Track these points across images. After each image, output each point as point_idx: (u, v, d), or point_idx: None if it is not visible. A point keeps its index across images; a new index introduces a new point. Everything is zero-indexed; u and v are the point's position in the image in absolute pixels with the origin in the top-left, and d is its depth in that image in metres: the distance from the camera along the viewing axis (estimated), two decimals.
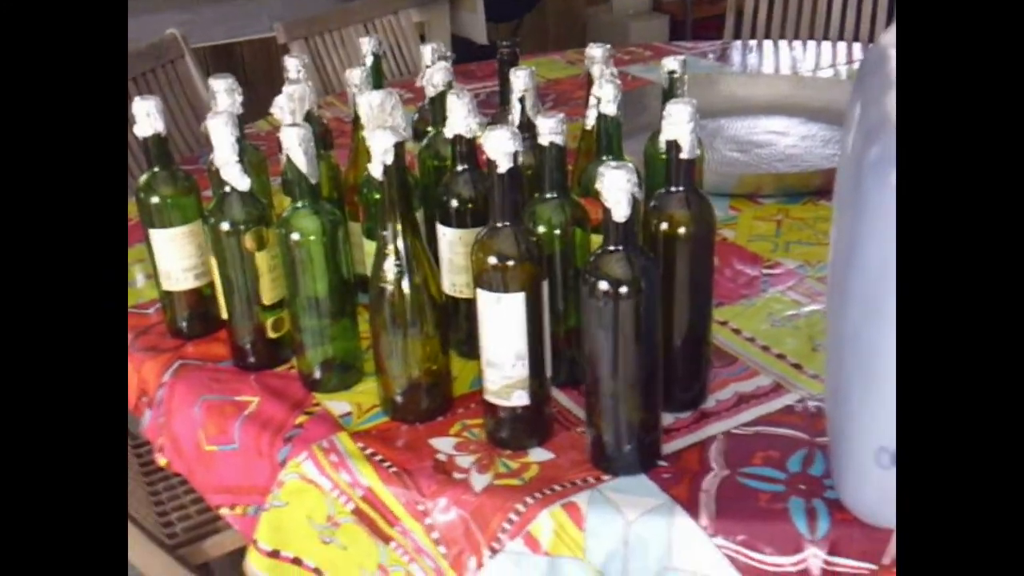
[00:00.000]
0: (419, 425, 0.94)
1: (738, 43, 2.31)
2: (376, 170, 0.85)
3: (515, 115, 1.04)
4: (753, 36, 2.43)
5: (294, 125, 0.91)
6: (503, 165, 0.81)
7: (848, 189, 0.72)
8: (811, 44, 2.27)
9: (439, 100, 1.08)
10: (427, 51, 1.17)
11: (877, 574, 0.78)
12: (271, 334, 1.03)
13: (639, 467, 0.85)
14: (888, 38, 0.80)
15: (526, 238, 0.84)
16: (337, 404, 0.98)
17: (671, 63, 1.05)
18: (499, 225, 0.83)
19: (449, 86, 1.09)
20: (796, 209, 1.33)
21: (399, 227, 0.88)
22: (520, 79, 1.02)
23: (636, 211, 0.78)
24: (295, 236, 0.94)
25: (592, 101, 1.00)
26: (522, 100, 1.03)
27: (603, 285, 0.78)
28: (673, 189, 0.86)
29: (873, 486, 0.74)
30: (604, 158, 1.00)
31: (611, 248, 0.78)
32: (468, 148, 0.96)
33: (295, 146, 0.90)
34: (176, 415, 1.03)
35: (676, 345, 0.90)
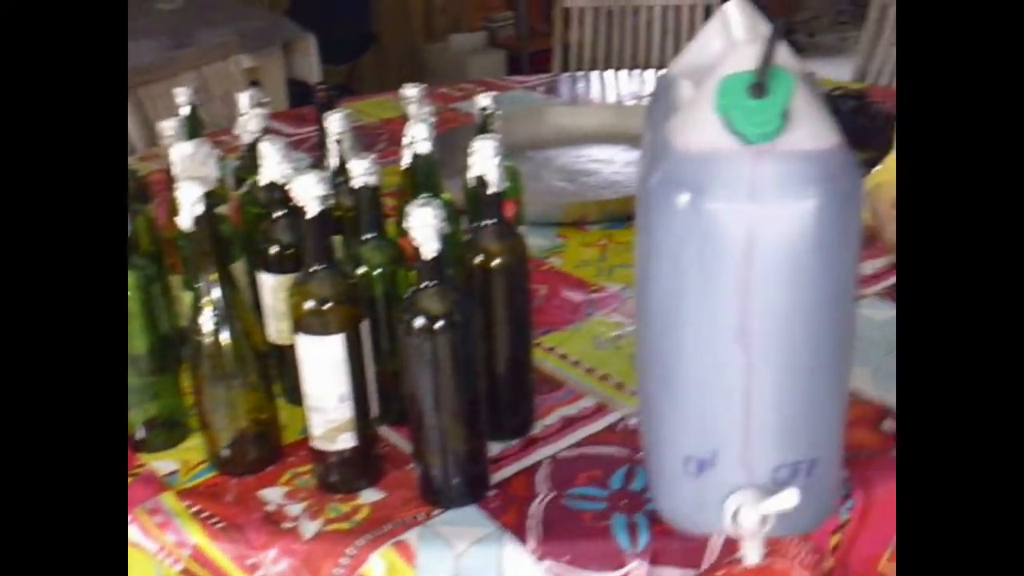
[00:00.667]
0: (248, 477, 0.92)
1: (566, 75, 2.38)
2: (185, 222, 0.84)
3: (333, 158, 1.05)
4: (580, 68, 2.51)
5: None
6: (312, 209, 0.81)
7: (640, 212, 0.76)
8: (636, 73, 2.36)
9: (254, 147, 1.08)
10: (243, 98, 1.16)
11: None
12: None
13: (468, 498, 0.86)
14: (675, 67, 0.85)
15: (342, 280, 0.84)
16: (163, 463, 0.95)
17: (483, 100, 1.08)
18: (313, 269, 0.83)
19: (264, 132, 1.08)
20: (619, 233, 1.38)
21: (212, 278, 0.87)
22: (334, 122, 1.03)
23: (447, 247, 0.79)
24: None
25: (406, 140, 1.01)
26: (339, 143, 1.04)
27: (418, 322, 0.79)
28: (484, 223, 0.88)
29: (685, 495, 0.77)
30: (419, 198, 1.01)
31: (424, 285, 0.80)
32: (283, 194, 0.96)
33: None
34: None
35: (499, 375, 0.92)
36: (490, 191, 0.87)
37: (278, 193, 0.96)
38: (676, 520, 0.80)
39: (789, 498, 0.73)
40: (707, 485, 0.75)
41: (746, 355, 0.70)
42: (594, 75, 2.37)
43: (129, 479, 0.93)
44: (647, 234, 0.73)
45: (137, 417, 0.97)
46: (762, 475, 0.74)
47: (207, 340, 0.88)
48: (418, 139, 0.98)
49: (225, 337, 0.88)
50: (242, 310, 0.89)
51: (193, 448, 0.97)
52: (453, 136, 1.69)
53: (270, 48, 3.06)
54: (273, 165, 0.94)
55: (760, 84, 0.65)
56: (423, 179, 1.00)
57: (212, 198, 0.84)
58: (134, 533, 0.88)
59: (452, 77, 4.14)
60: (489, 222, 0.88)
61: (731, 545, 0.80)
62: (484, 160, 0.85)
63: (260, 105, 1.15)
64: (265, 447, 0.94)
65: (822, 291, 0.68)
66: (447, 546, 0.82)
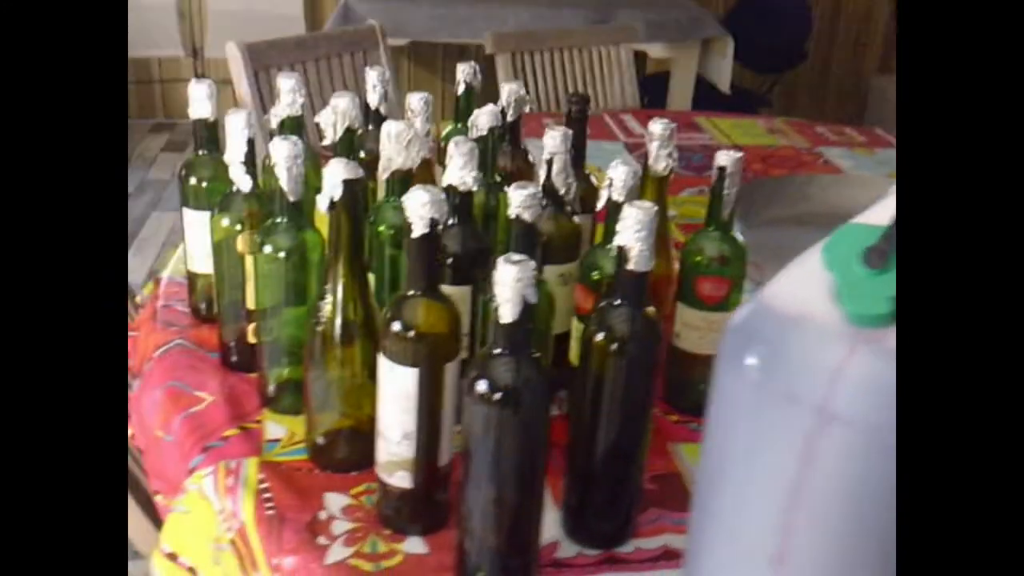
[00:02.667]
0: (332, 473, 0.89)
1: None
2: (323, 203, 0.81)
3: (540, 176, 0.96)
4: None
5: (284, 139, 0.89)
6: (418, 229, 0.74)
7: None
8: None
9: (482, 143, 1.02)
10: (506, 89, 1.10)
11: None
12: (251, 339, 1.02)
13: None
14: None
15: (436, 310, 0.76)
16: (275, 427, 0.95)
17: (723, 158, 0.93)
18: (410, 292, 0.76)
19: (491, 132, 1.02)
20: None
21: (340, 263, 0.83)
22: (551, 140, 0.94)
23: (529, 314, 0.68)
24: (267, 249, 0.91)
25: (606, 181, 0.90)
26: (549, 163, 0.95)
27: (480, 387, 0.70)
28: (616, 302, 0.76)
29: None
30: (607, 246, 0.90)
31: (497, 350, 0.70)
32: (462, 201, 0.90)
33: (280, 161, 0.88)
34: (146, 392, 1.04)
35: (596, 467, 0.79)
36: (629, 267, 0.74)
37: (455, 199, 0.90)
38: None
39: None
40: None
41: None
42: None
43: (236, 431, 0.94)
44: (716, 376, 0.57)
45: (272, 374, 0.97)
46: None
47: (322, 326, 0.85)
48: (616, 183, 0.87)
49: (339, 328, 0.84)
50: (365, 305, 0.85)
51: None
52: (761, 187, 1.53)
53: (687, 42, 2.98)
54: (455, 169, 0.87)
55: (880, 250, 0.47)
56: (614, 227, 0.88)
57: (348, 185, 0.79)
58: (207, 485, 0.89)
59: (890, 116, 3.80)
60: (622, 302, 0.75)
61: None
62: (628, 231, 0.72)
63: (522, 101, 1.09)
64: (357, 449, 0.89)
65: (894, 543, 0.49)
66: None
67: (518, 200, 0.80)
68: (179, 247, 1.31)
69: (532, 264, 0.67)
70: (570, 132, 0.95)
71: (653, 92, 3.03)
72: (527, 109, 1.13)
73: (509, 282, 0.67)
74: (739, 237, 0.96)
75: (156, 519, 1.19)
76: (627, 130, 1.98)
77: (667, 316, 0.99)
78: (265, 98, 1.84)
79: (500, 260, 0.68)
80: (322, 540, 0.81)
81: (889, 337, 0.48)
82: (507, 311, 0.68)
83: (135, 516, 1.18)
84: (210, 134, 1.07)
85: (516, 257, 0.68)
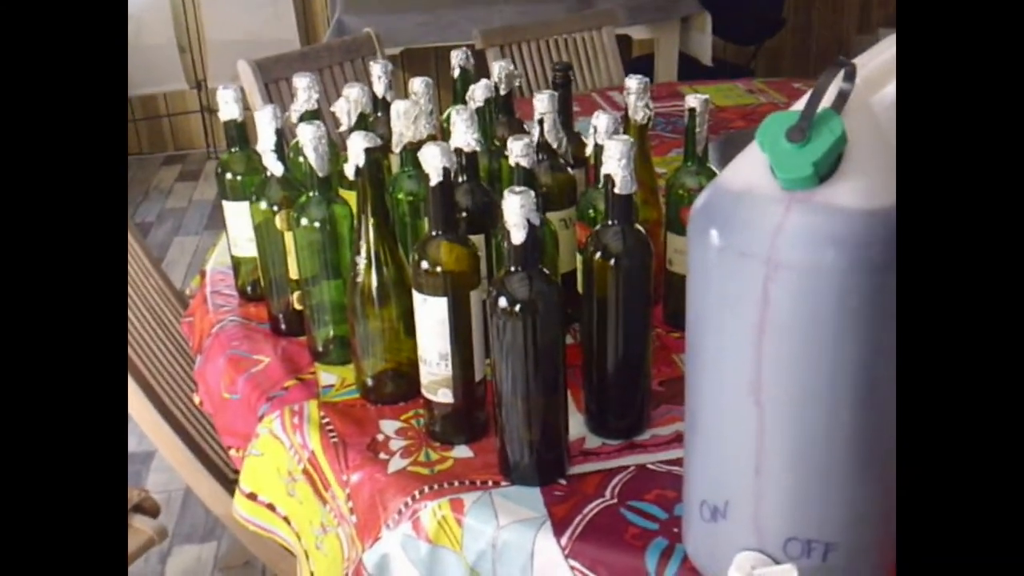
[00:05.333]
0: (382, 406, 1.03)
1: None
2: (349, 171, 0.95)
3: (535, 135, 1.09)
4: None
5: (309, 123, 1.03)
6: (435, 178, 0.87)
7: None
8: None
9: (480, 114, 1.16)
10: (496, 66, 1.24)
11: None
12: (296, 306, 1.15)
13: (536, 480, 0.89)
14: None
15: (457, 247, 0.90)
16: (328, 375, 1.09)
17: (692, 101, 1.06)
18: (433, 233, 0.90)
19: (487, 103, 1.16)
20: None
21: (370, 224, 0.97)
22: (540, 102, 1.08)
23: (535, 236, 0.82)
24: (303, 222, 1.05)
25: (590, 129, 1.03)
26: (541, 122, 1.08)
27: (501, 303, 0.83)
28: (609, 223, 0.89)
29: (700, 537, 0.74)
30: (597, 187, 1.03)
31: (512, 269, 0.83)
32: (468, 161, 1.03)
33: (307, 142, 1.02)
34: (209, 363, 1.18)
35: (608, 374, 0.93)
36: (616, 191, 0.87)
37: (462, 160, 1.03)
38: (695, 560, 0.77)
39: (787, 572, 0.67)
40: (719, 534, 0.72)
41: (759, 411, 0.66)
42: None
43: (294, 381, 1.08)
44: (689, 250, 0.70)
45: (320, 334, 1.11)
46: (773, 543, 0.69)
47: (358, 280, 0.98)
48: (600, 129, 1.00)
49: (372, 281, 0.98)
50: (392, 258, 0.98)
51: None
52: (739, 137, 1.66)
53: (667, 21, 3.12)
54: (460, 133, 1.01)
55: (800, 128, 0.60)
56: (599, 169, 1.02)
57: (369, 153, 0.93)
58: (276, 427, 1.03)
59: None
60: (614, 222, 0.89)
61: None
62: (612, 160, 0.86)
63: (511, 77, 1.22)
64: (402, 385, 1.03)
65: (842, 363, 0.62)
66: (493, 516, 0.86)
67: (517, 150, 0.94)
68: (216, 245, 1.45)
69: (532, 193, 0.81)
70: (556, 94, 1.08)
71: (640, 74, 3.17)
72: (517, 84, 1.26)
73: (515, 208, 0.80)
74: (714, 169, 1.09)
75: (225, 482, 1.34)
76: (614, 104, 2.12)
77: (658, 252, 1.12)
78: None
79: (506, 192, 0.81)
80: (382, 456, 0.95)
81: (815, 195, 0.61)
82: (516, 234, 0.81)
83: (207, 482, 1.33)
84: (239, 133, 1.21)
85: (518, 189, 0.81)
